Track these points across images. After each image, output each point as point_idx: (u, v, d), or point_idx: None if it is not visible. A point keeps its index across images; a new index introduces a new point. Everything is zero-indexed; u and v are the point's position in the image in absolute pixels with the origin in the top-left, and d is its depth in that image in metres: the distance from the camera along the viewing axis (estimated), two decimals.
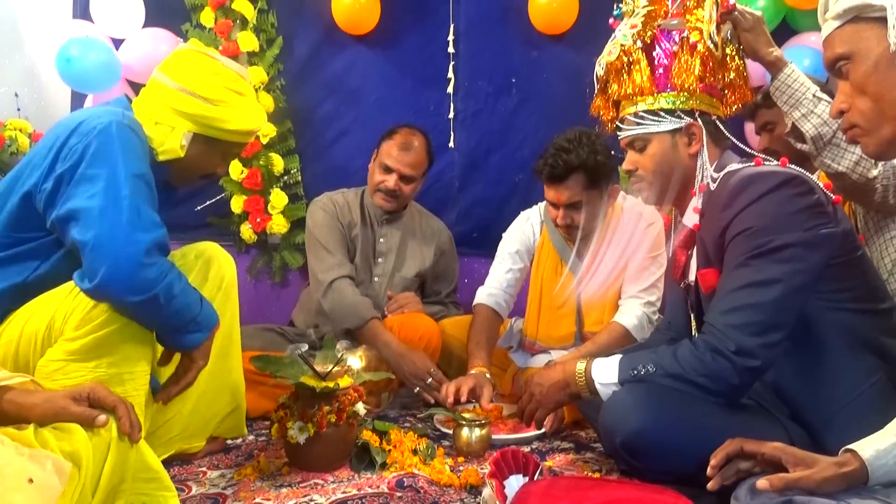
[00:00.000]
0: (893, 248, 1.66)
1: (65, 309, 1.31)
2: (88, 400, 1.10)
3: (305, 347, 1.53)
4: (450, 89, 2.81)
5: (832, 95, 1.49)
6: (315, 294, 2.24)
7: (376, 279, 2.40)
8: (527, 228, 2.27)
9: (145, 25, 2.76)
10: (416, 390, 2.05)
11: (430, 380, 2.01)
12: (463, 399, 1.87)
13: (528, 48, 2.81)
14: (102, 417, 1.09)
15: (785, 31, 2.66)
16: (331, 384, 1.50)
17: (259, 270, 2.87)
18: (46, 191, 1.32)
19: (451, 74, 2.81)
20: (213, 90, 1.48)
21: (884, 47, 0.95)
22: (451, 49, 2.80)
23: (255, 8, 2.74)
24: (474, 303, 2.24)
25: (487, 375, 1.98)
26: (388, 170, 2.30)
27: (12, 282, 1.37)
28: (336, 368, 1.52)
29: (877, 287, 1.30)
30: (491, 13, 2.80)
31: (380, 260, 2.40)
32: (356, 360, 1.95)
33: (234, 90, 1.52)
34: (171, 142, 1.46)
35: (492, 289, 2.23)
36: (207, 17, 2.74)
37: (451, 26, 2.79)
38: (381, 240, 2.41)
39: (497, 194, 2.86)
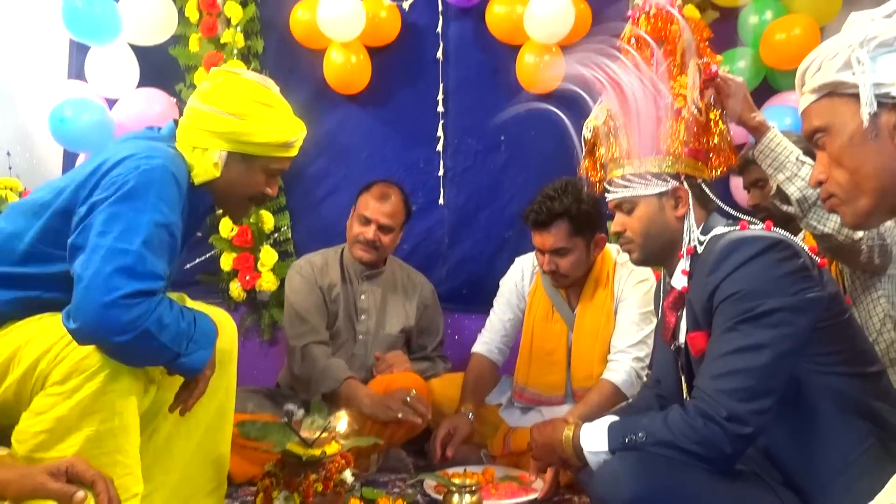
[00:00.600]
0: (881, 308, 1.67)
1: (56, 350, 1.26)
2: (67, 475, 1.07)
3: (301, 412, 1.51)
4: (439, 147, 2.85)
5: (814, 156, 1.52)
6: (289, 362, 2.25)
7: (360, 337, 2.38)
8: (519, 275, 2.33)
9: (139, 85, 2.80)
10: (399, 415, 2.03)
11: (408, 398, 2.02)
12: (450, 455, 1.90)
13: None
14: (80, 494, 1.05)
15: (766, 90, 2.72)
16: (317, 452, 1.47)
17: (248, 328, 2.85)
18: (80, 214, 1.32)
19: (440, 132, 2.85)
20: (239, 105, 1.47)
21: (858, 122, 0.97)
22: (440, 108, 2.85)
23: (248, 68, 2.79)
24: (472, 351, 2.32)
25: (470, 416, 2.09)
26: (366, 221, 2.31)
27: (26, 295, 1.35)
28: (324, 435, 1.50)
29: (865, 350, 1.30)
30: (479, 73, 2.86)
31: (362, 317, 2.39)
32: (344, 423, 1.92)
33: (261, 102, 1.50)
34: (204, 163, 1.45)
35: (487, 337, 2.31)
36: (201, 77, 2.78)
37: (441, 86, 2.84)
38: (363, 296, 2.41)
39: (486, 250, 2.87)
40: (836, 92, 1.00)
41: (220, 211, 1.64)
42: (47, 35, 2.85)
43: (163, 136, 1.51)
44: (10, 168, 2.82)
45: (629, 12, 1.61)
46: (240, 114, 1.47)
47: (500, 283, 2.37)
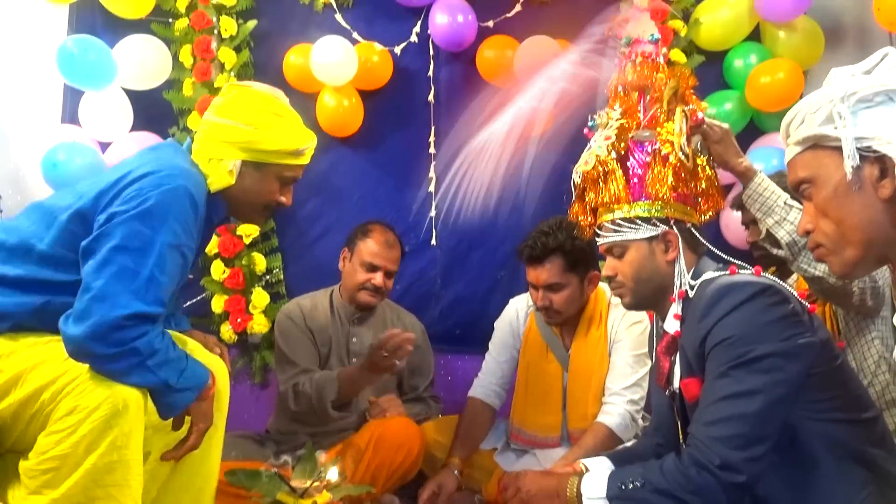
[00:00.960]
0: (875, 350, 1.67)
1: (61, 384, 1.28)
2: None
3: (289, 463, 1.49)
4: (431, 188, 2.87)
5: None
6: (283, 404, 2.23)
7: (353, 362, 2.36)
8: (514, 315, 2.33)
9: (133, 129, 2.82)
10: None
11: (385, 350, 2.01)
12: None
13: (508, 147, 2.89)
14: None
15: (752, 131, 2.77)
16: (308, 502, 1.44)
17: (238, 371, 2.82)
18: (99, 222, 1.36)
19: (432, 174, 2.87)
20: (252, 115, 1.55)
21: (841, 174, 0.99)
22: (432, 149, 2.87)
23: None
24: (469, 395, 2.28)
25: (455, 472, 2.07)
26: (373, 268, 2.31)
27: (42, 300, 1.37)
28: (314, 484, 1.47)
29: (860, 395, 1.30)
30: (471, 116, 2.89)
31: (354, 360, 2.37)
32: (334, 473, 1.89)
33: (272, 112, 1.58)
34: (220, 172, 1.53)
35: (483, 380, 2.29)
36: (194, 121, 2.80)
37: (433, 128, 2.87)
38: (354, 339, 2.39)
39: (479, 291, 2.87)
40: (819, 144, 1.03)
41: (238, 221, 1.76)
42: (42, 79, 2.87)
43: (184, 151, 1.59)
44: (0, 211, 2.81)
45: (616, 60, 1.64)
46: (252, 123, 1.54)
47: (495, 324, 2.35)
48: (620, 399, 2.05)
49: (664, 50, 1.62)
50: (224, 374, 1.59)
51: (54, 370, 1.30)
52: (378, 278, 2.31)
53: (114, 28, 2.79)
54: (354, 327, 2.40)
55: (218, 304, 2.76)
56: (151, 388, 1.33)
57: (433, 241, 2.87)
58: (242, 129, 1.53)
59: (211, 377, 1.43)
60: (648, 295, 1.49)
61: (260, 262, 2.78)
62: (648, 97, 1.55)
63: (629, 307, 1.55)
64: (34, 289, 1.38)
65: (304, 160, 1.64)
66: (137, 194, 1.36)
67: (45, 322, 1.36)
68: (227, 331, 2.75)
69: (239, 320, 2.74)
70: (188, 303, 2.76)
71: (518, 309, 2.33)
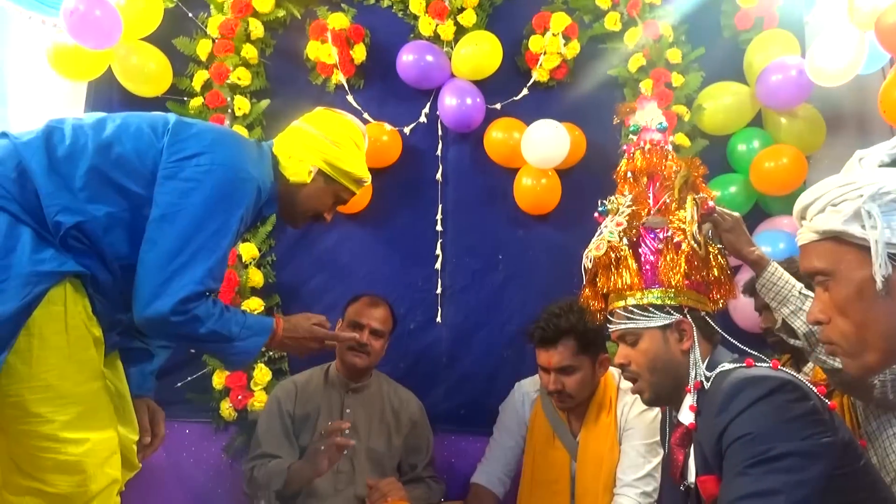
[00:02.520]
0: None
1: (56, 441, 1.40)
2: None
3: None
4: (438, 265, 2.87)
5: None
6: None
7: (346, 453, 2.29)
8: (520, 400, 2.28)
9: None
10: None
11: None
12: None
13: (514, 227, 2.91)
14: None
15: (758, 214, 2.79)
16: None
17: (237, 449, 2.74)
18: (168, 171, 1.53)
19: (438, 251, 2.88)
20: (338, 135, 1.81)
21: (865, 275, 0.93)
22: (439, 227, 2.89)
23: None
24: (472, 481, 2.23)
25: None
26: (358, 326, 2.32)
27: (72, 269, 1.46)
28: None
29: (887, 498, 1.25)
30: (478, 194, 2.92)
31: (347, 432, 2.31)
32: None
33: (354, 140, 1.84)
34: (300, 169, 1.74)
35: (487, 466, 2.24)
36: None
37: (440, 206, 2.90)
38: (348, 410, 2.36)
39: (485, 370, 2.83)
40: (840, 238, 0.96)
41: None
42: None
43: (252, 141, 1.81)
44: None
45: (623, 147, 1.67)
46: (336, 142, 1.79)
47: (500, 408, 2.31)
48: (633, 491, 1.98)
49: (672, 137, 1.65)
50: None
51: (65, 414, 1.41)
52: (363, 336, 2.29)
53: (130, 105, 2.84)
54: (349, 398, 2.37)
55: (219, 381, 2.71)
56: (222, 343, 1.56)
57: (438, 319, 2.85)
58: (328, 143, 1.78)
59: (276, 321, 1.68)
60: (668, 387, 1.45)
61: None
62: (658, 184, 1.57)
63: (650, 403, 1.51)
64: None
65: (360, 190, 1.89)
66: (215, 173, 1.53)
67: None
68: (227, 408, 2.69)
69: (240, 397, 2.69)
70: (188, 378, 2.71)
71: (524, 393, 2.28)
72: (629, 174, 1.60)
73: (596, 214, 1.62)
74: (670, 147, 1.62)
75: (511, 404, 2.29)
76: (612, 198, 1.59)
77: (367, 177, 1.88)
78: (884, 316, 0.93)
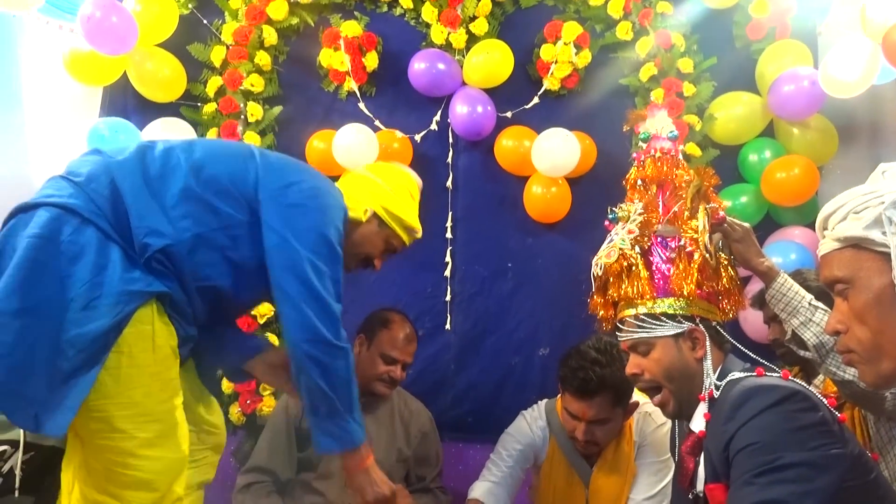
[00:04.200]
0: None
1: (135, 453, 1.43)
2: None
3: None
4: (447, 273, 2.87)
5: (826, 299, 1.51)
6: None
7: None
8: (536, 433, 2.14)
9: None
10: None
11: None
12: None
13: (524, 235, 2.91)
14: None
15: (769, 225, 2.77)
16: None
17: (245, 454, 2.74)
18: (283, 231, 1.56)
19: (448, 258, 2.88)
20: (396, 184, 1.89)
21: (885, 282, 0.94)
22: (448, 234, 2.89)
23: None
24: (471, 496, 2.09)
25: None
26: (392, 361, 2.27)
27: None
28: None
29: None
30: (488, 202, 2.93)
31: None
32: None
33: (410, 192, 1.92)
34: (357, 209, 1.80)
35: (490, 485, 2.08)
36: None
37: (450, 213, 2.90)
38: None
39: (493, 378, 2.83)
40: (861, 245, 0.97)
41: None
42: (73, 157, 2.94)
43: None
44: None
45: (633, 154, 1.66)
46: (394, 189, 1.88)
47: (511, 433, 2.18)
48: None
49: (682, 146, 1.64)
50: None
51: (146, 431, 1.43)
52: (398, 371, 2.27)
53: (144, 111, 2.89)
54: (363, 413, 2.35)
55: (227, 385, 2.71)
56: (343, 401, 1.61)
57: (447, 326, 2.85)
58: (386, 190, 1.86)
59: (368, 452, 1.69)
60: (687, 396, 1.43)
61: (273, 340, 2.76)
62: (668, 192, 1.56)
63: (673, 416, 1.48)
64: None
65: (409, 240, 1.94)
66: (319, 198, 1.63)
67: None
68: (235, 412, 2.70)
69: (248, 402, 2.70)
70: None
71: (541, 429, 2.14)
72: (639, 182, 1.59)
73: (606, 222, 1.62)
74: (681, 156, 1.61)
75: (526, 436, 2.14)
76: (623, 205, 1.59)
77: (419, 228, 1.94)
78: None
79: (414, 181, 1.96)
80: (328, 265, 1.58)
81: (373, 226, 1.85)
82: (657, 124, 1.63)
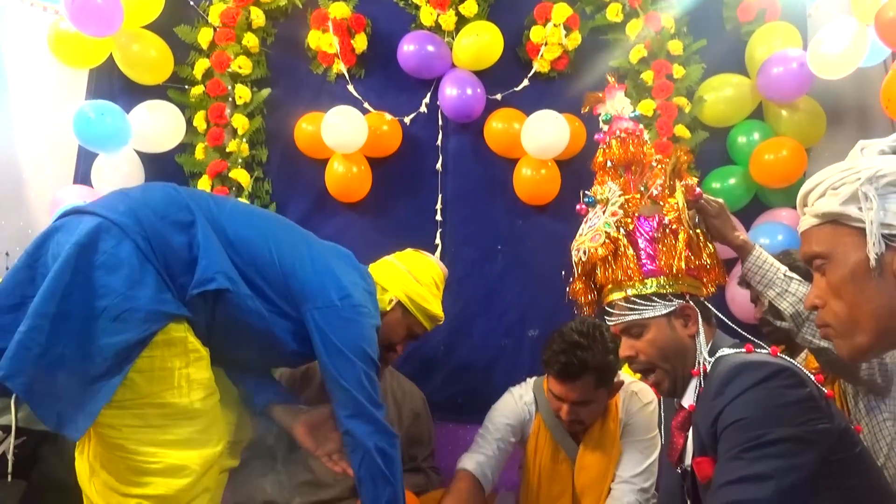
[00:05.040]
0: (887, 431, 1.63)
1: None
2: None
3: None
4: (437, 255, 2.87)
5: (801, 272, 1.53)
6: None
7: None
8: (522, 409, 2.16)
9: None
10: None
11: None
12: None
13: (513, 217, 2.91)
14: None
15: (757, 207, 2.79)
16: None
17: None
18: (329, 334, 1.70)
19: (438, 241, 2.89)
20: (423, 274, 1.98)
21: (861, 256, 0.96)
22: (438, 217, 2.90)
23: (251, 177, 2.86)
24: (459, 467, 2.10)
25: None
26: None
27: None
28: None
29: (882, 485, 1.25)
30: (477, 184, 2.93)
31: None
32: None
33: (436, 282, 2.01)
34: (384, 298, 1.89)
35: (480, 457, 2.09)
36: (204, 184, 2.84)
37: (439, 196, 2.90)
38: None
39: (482, 359, 2.84)
40: (839, 221, 0.99)
41: None
42: (58, 140, 2.92)
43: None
44: (7, 268, 2.81)
45: (596, 137, 1.64)
46: (420, 279, 1.96)
47: (494, 409, 2.21)
48: (630, 487, 1.97)
49: (641, 125, 1.62)
50: None
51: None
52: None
53: (131, 93, 2.86)
54: None
55: None
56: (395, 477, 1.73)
57: None
58: (412, 280, 1.94)
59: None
60: (682, 372, 1.44)
61: None
62: (639, 172, 1.56)
63: (668, 394, 1.49)
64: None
65: (430, 328, 2.02)
66: (370, 329, 1.74)
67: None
68: None
69: None
70: None
71: (527, 404, 2.17)
72: (608, 163, 1.58)
73: (580, 206, 1.61)
74: (646, 136, 1.61)
75: (513, 411, 2.16)
76: (597, 188, 1.58)
77: (442, 316, 2.03)
78: (875, 296, 0.95)
79: (440, 270, 2.05)
80: (375, 373, 1.74)
81: (397, 314, 1.93)
82: (616, 105, 1.61)
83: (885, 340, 0.98)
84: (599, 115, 1.63)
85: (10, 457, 1.64)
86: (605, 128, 1.61)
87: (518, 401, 2.18)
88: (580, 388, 1.93)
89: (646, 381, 1.51)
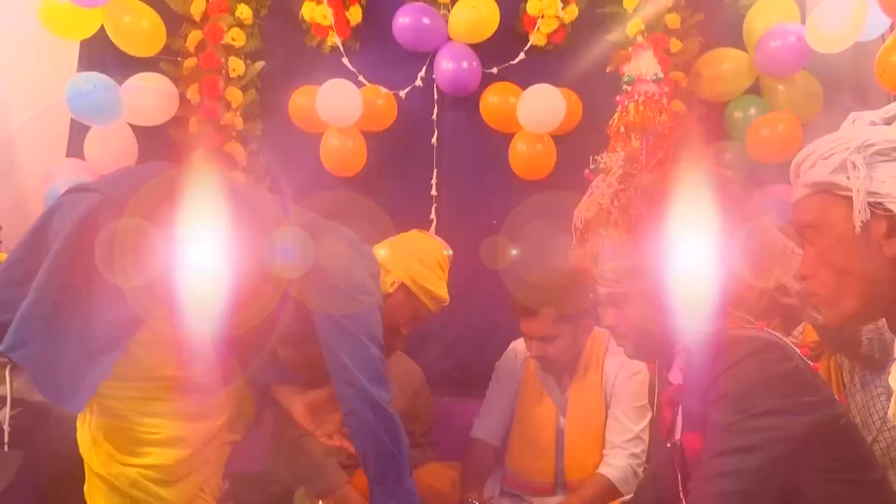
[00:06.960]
0: (881, 406, 1.65)
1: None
2: None
3: None
4: (432, 230, 2.87)
5: None
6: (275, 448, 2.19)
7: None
8: (513, 357, 2.31)
9: (137, 163, 2.83)
10: None
11: None
12: None
13: (509, 192, 2.90)
14: None
15: (752, 182, 2.78)
16: None
17: None
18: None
19: (433, 216, 2.89)
20: (427, 256, 1.92)
21: (848, 225, 0.97)
22: (434, 191, 2.89)
23: (245, 151, 2.84)
24: (471, 436, 2.27)
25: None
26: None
27: None
28: None
29: (867, 456, 1.27)
30: (473, 159, 2.92)
31: None
32: None
33: (440, 264, 1.95)
34: (386, 281, 1.85)
35: (486, 422, 2.27)
36: (198, 158, 2.82)
37: (435, 170, 2.90)
38: None
39: (477, 334, 2.86)
40: (828, 190, 1.00)
41: None
42: (50, 112, 2.90)
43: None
44: (0, 241, 2.80)
45: (617, 98, 1.63)
46: (424, 261, 1.91)
47: (496, 365, 2.35)
48: (622, 452, 2.01)
49: (666, 88, 1.62)
50: None
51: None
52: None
53: (123, 65, 2.82)
54: None
55: None
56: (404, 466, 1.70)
57: None
58: (416, 262, 1.89)
59: None
60: (653, 344, 1.46)
61: None
62: (650, 139, 1.56)
63: (631, 356, 1.52)
64: None
65: (436, 309, 1.97)
66: (376, 338, 1.69)
67: None
68: None
69: None
70: None
71: (518, 352, 2.31)
72: (622, 128, 1.58)
73: (587, 171, 1.61)
74: (665, 100, 1.59)
75: (506, 362, 2.32)
76: (605, 155, 1.58)
77: (447, 298, 1.97)
78: (862, 262, 0.97)
79: (444, 253, 2.00)
80: (380, 352, 1.73)
81: (400, 297, 1.89)
82: (642, 66, 1.61)
83: (871, 307, 1.00)
84: (623, 75, 1.61)
85: (5, 426, 1.66)
86: (628, 89, 1.60)
87: (513, 351, 2.33)
88: (540, 323, 2.04)
89: (626, 353, 1.53)
